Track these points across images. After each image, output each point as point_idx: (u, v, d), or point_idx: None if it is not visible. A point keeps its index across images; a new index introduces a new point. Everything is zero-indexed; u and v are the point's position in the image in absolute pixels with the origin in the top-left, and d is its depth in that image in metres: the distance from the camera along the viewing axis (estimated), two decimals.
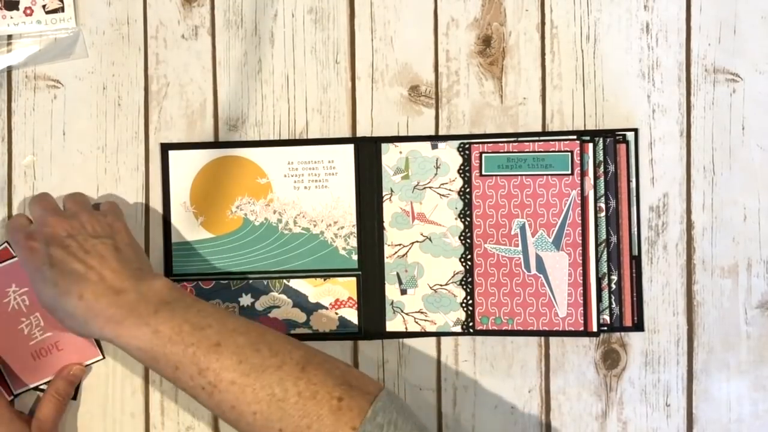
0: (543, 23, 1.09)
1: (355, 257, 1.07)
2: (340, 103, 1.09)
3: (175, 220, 1.08)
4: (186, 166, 1.09)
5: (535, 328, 1.05)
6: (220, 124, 1.09)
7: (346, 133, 1.09)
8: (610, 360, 1.07)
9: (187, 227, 1.08)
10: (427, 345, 1.08)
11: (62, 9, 1.09)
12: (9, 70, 1.10)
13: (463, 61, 1.09)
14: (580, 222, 1.05)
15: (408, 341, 1.08)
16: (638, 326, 1.06)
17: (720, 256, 1.07)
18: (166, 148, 1.09)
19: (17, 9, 1.09)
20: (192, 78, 1.10)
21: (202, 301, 0.98)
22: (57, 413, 1.04)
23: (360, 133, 1.09)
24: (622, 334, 1.06)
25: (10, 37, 1.09)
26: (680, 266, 1.07)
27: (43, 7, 1.09)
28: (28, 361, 1.06)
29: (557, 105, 1.08)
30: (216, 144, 1.09)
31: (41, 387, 1.07)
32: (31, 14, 1.09)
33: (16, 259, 1.05)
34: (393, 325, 1.07)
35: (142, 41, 1.10)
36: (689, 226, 1.07)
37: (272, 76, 1.10)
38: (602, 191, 1.05)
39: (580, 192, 1.05)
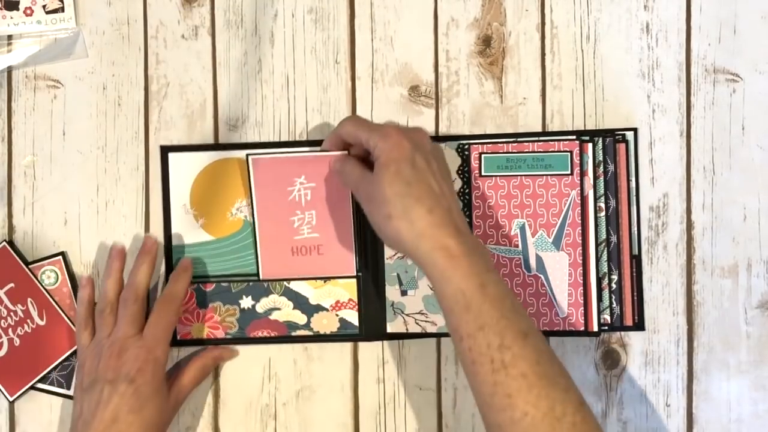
0: (543, 23, 1.09)
1: (355, 259, 1.07)
2: (340, 103, 1.09)
3: (176, 222, 1.08)
4: (186, 169, 1.09)
5: None
6: (220, 124, 1.09)
7: None
8: (610, 360, 1.07)
9: (187, 229, 1.08)
10: (427, 345, 1.08)
11: (62, 9, 1.09)
12: (9, 70, 1.10)
13: (463, 61, 1.09)
14: (579, 222, 1.05)
15: (408, 341, 1.08)
16: (639, 325, 1.06)
17: (720, 256, 1.07)
18: (165, 150, 1.09)
19: (17, 9, 1.09)
20: (192, 78, 1.10)
21: None
22: (194, 385, 1.07)
23: None
24: (622, 334, 1.06)
25: (10, 37, 1.09)
26: (680, 266, 1.07)
27: (43, 7, 1.09)
28: (284, 254, 1.07)
29: (557, 105, 1.08)
30: (216, 146, 1.09)
31: (37, 386, 1.07)
32: (31, 14, 1.09)
33: (316, 152, 1.06)
34: (393, 326, 1.07)
35: (142, 41, 1.10)
36: (689, 226, 1.07)
37: (272, 76, 1.10)
38: (602, 191, 1.05)
39: (579, 192, 1.04)
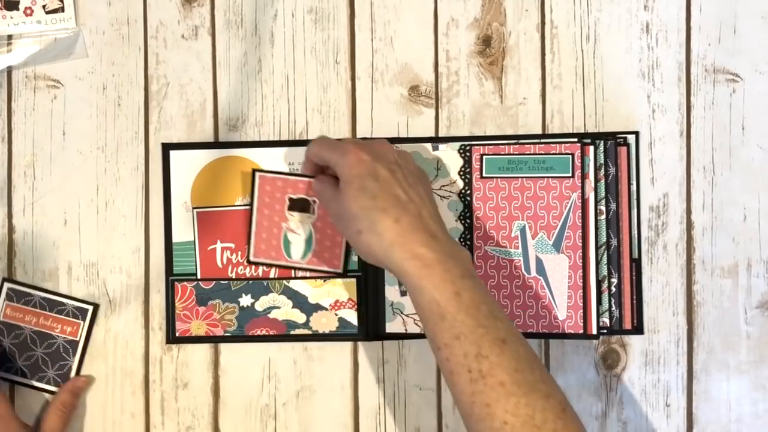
0: (543, 23, 1.09)
1: (355, 258, 1.07)
2: (340, 103, 1.09)
3: (176, 219, 1.08)
4: (187, 166, 1.09)
5: (534, 331, 1.05)
6: (220, 124, 1.09)
7: (346, 133, 1.09)
8: (610, 360, 1.07)
9: (187, 227, 1.08)
10: (426, 345, 1.07)
11: (62, 9, 1.09)
12: (9, 70, 1.10)
13: (463, 61, 1.09)
14: (580, 225, 1.05)
15: (408, 341, 1.08)
16: (638, 329, 1.06)
17: (720, 256, 1.07)
18: (167, 147, 1.09)
19: (17, 9, 1.09)
20: (192, 78, 1.10)
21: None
22: (62, 425, 1.06)
23: (360, 133, 1.09)
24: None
25: (10, 37, 1.09)
26: (680, 266, 1.07)
27: (43, 7, 1.09)
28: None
29: (557, 105, 1.08)
30: (217, 144, 1.09)
31: (35, 385, 1.08)
32: (31, 14, 1.09)
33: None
34: (393, 326, 1.07)
35: (142, 41, 1.10)
36: (689, 226, 1.07)
37: (272, 76, 1.10)
38: (603, 194, 1.05)
39: (580, 195, 1.04)
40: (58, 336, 1.08)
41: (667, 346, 1.07)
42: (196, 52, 1.10)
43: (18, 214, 1.10)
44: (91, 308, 1.08)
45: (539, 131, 1.08)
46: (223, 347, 1.09)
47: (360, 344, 1.08)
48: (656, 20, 1.08)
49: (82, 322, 1.08)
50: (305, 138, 1.09)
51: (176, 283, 1.08)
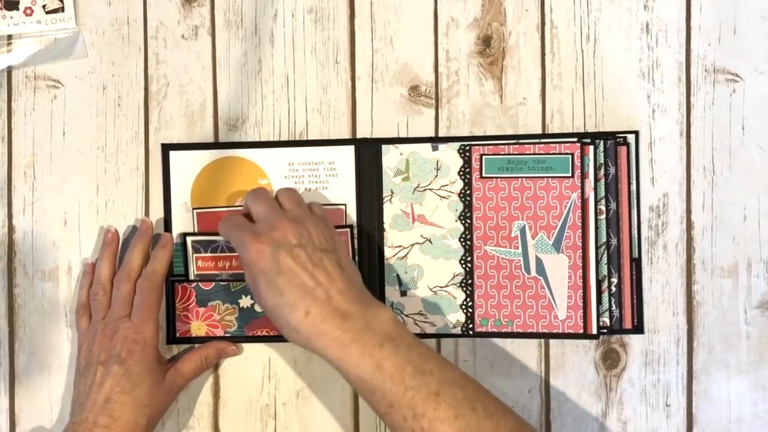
0: (543, 23, 1.09)
1: (355, 258, 1.07)
2: (340, 103, 1.09)
3: (176, 220, 1.08)
4: (187, 167, 1.09)
5: (534, 331, 1.05)
6: (220, 124, 1.09)
7: (346, 133, 1.09)
8: (610, 360, 1.07)
9: (187, 227, 1.08)
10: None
11: (62, 9, 1.09)
12: (9, 70, 1.10)
13: (463, 61, 1.09)
14: (580, 224, 1.05)
15: None
16: (638, 329, 1.06)
17: (720, 256, 1.07)
18: (167, 148, 1.09)
19: (17, 9, 1.09)
20: (192, 78, 1.10)
21: (423, 343, 0.94)
22: (194, 374, 1.06)
23: (360, 133, 1.09)
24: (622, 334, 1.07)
25: (10, 37, 1.09)
26: (680, 266, 1.07)
27: (43, 7, 1.09)
28: None
29: (557, 105, 1.08)
30: (217, 144, 1.09)
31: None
32: (31, 14, 1.09)
33: None
34: None
35: (142, 41, 1.10)
36: (689, 226, 1.07)
37: (272, 76, 1.10)
38: (603, 194, 1.05)
39: (580, 194, 1.05)
40: None
41: (667, 346, 1.07)
42: (196, 52, 1.10)
43: (18, 214, 1.10)
44: None
45: (539, 131, 1.08)
46: None
47: None
48: (656, 20, 1.08)
49: None
50: (305, 138, 1.09)
51: (176, 284, 1.08)
